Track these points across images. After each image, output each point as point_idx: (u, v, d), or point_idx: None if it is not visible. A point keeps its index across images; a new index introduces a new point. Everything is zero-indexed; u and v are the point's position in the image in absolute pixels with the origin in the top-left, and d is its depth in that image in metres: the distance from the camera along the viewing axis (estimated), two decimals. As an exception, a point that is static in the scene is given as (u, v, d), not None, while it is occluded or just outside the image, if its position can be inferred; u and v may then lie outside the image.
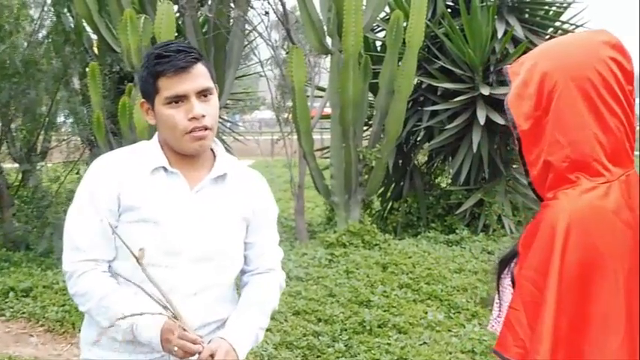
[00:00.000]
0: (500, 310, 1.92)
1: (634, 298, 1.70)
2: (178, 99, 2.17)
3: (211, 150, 2.34)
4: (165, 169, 2.24)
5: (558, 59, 1.79)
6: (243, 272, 2.46)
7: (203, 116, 2.17)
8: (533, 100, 1.79)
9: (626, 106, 1.76)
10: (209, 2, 9.12)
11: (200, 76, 2.20)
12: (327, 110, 9.31)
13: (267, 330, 2.44)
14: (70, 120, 9.88)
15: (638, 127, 1.91)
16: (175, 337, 2.04)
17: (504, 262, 1.93)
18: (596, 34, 1.83)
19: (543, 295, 1.70)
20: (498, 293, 1.96)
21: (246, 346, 2.27)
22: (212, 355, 2.11)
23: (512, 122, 1.82)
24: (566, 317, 1.67)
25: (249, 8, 9.31)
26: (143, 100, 2.28)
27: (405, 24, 8.21)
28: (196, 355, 2.08)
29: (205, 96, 2.21)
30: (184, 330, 2.06)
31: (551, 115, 1.76)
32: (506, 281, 1.90)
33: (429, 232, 8.92)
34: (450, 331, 5.61)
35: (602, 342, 1.68)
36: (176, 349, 2.04)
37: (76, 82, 9.43)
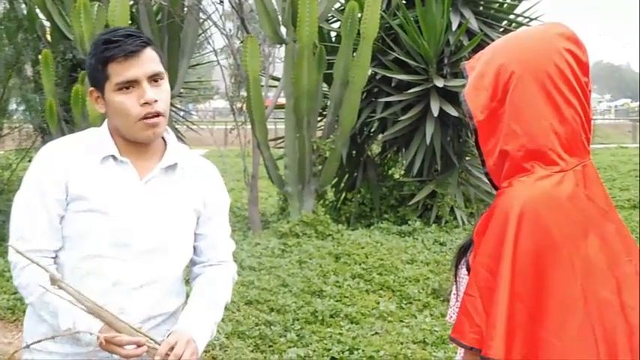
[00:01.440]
0: (457, 301, 1.93)
1: (590, 282, 1.72)
2: (129, 84, 2.12)
3: (162, 139, 2.29)
4: (114, 157, 2.19)
5: (514, 51, 1.82)
6: (193, 263, 2.42)
7: (155, 101, 2.13)
8: (489, 91, 1.81)
9: (582, 97, 1.79)
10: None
11: (150, 60, 2.16)
12: (282, 100, 9.30)
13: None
14: (22, 107, 9.78)
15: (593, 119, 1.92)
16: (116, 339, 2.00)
17: (460, 252, 1.95)
18: (551, 26, 1.86)
19: (496, 281, 1.71)
20: (456, 283, 1.98)
21: (204, 339, 2.22)
22: (171, 348, 2.05)
23: (468, 114, 1.85)
24: (521, 303, 1.70)
25: (203, -4, 9.24)
26: (92, 88, 2.21)
27: (359, 15, 8.16)
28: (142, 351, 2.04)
29: (156, 81, 2.17)
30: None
31: (507, 105, 1.79)
32: (463, 271, 1.92)
33: (382, 223, 8.94)
34: (401, 321, 5.64)
35: (561, 327, 1.70)
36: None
37: (28, 70, 9.34)
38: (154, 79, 2.16)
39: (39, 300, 2.12)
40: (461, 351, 1.90)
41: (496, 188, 1.84)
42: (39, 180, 2.18)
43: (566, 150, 1.76)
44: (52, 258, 2.19)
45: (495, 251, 1.73)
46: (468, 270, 1.87)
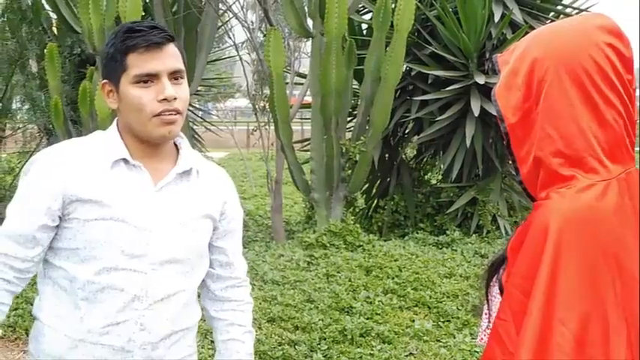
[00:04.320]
0: (489, 321, 1.92)
1: (633, 306, 1.70)
2: (148, 78, 2.14)
3: (174, 145, 2.31)
4: (126, 161, 2.20)
5: (550, 46, 1.79)
6: (211, 279, 2.47)
7: (175, 99, 2.14)
8: (522, 90, 1.78)
9: (624, 96, 1.75)
10: (179, -22, 9.09)
11: (173, 56, 2.17)
12: (308, 99, 9.32)
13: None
14: (26, 106, 9.88)
15: (639, 120, 1.89)
16: None
17: (493, 268, 1.93)
18: (591, 18, 1.83)
19: (529, 306, 1.69)
20: (487, 302, 1.96)
21: None
22: None
23: (499, 115, 1.82)
24: (564, 327, 1.68)
25: (223, -14, 9.29)
26: (105, 80, 2.22)
27: (393, 6, 8.20)
28: None
29: (177, 79, 2.18)
30: None
31: (542, 106, 1.75)
32: (495, 290, 1.90)
33: (417, 232, 8.98)
34: (438, 341, 5.63)
35: (602, 348, 1.68)
36: None
37: (33, 65, 9.42)
38: (174, 76, 2.17)
39: None
40: None
41: (532, 199, 1.82)
42: (28, 187, 2.21)
43: (608, 156, 1.71)
44: (26, 262, 2.19)
45: (531, 271, 1.70)
46: (501, 289, 1.85)
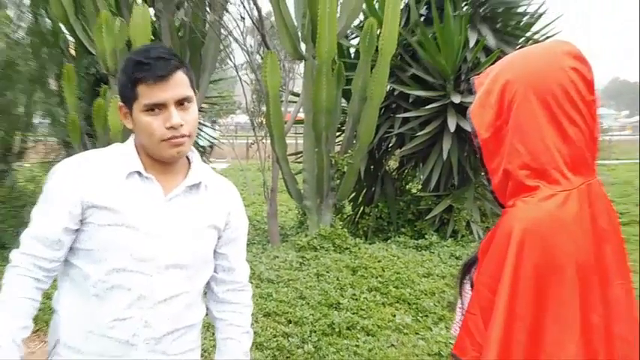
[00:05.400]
0: (462, 315, 1.92)
1: (590, 306, 1.70)
2: (156, 107, 2.12)
3: (187, 157, 2.31)
4: (139, 173, 2.20)
5: (520, 69, 1.79)
6: (215, 283, 2.46)
7: (181, 125, 2.13)
8: (494, 109, 1.79)
9: (586, 115, 1.75)
10: (185, 6, 9.08)
11: (180, 84, 2.15)
12: (301, 115, 9.30)
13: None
14: (47, 121, 9.80)
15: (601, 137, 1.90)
16: None
17: (466, 268, 1.94)
18: (558, 44, 1.83)
19: (494, 301, 1.70)
20: (461, 298, 1.97)
21: None
22: None
23: (473, 131, 1.83)
24: (521, 322, 1.68)
25: (224, 13, 9.30)
26: (121, 104, 2.21)
27: (378, 31, 8.20)
28: None
29: (183, 104, 2.16)
30: None
31: (511, 124, 1.76)
32: (467, 287, 1.91)
33: (399, 236, 8.95)
34: (417, 334, 5.62)
35: (560, 350, 1.68)
36: None
37: (52, 84, 9.36)
38: (181, 102, 2.15)
39: None
40: None
41: (502, 206, 1.83)
42: (52, 192, 2.19)
43: (570, 169, 1.74)
44: (52, 262, 2.18)
45: (496, 271, 1.71)
46: (472, 286, 1.86)
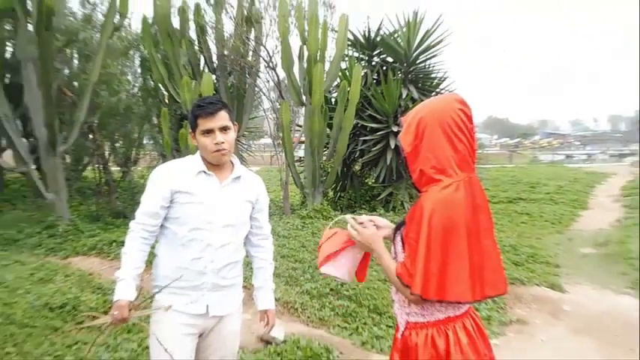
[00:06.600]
0: (395, 256, 1.90)
1: (473, 250, 1.70)
2: (208, 131, 2.11)
3: (231, 162, 2.28)
4: (204, 172, 2.18)
5: (429, 109, 1.79)
6: (252, 234, 2.40)
7: (222, 142, 2.12)
8: (413, 134, 1.78)
9: (468, 136, 1.75)
10: (234, 74, 9.04)
11: (222, 118, 2.12)
12: (303, 138, 9.27)
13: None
14: (151, 142, 9.82)
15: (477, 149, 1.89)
16: (115, 313, 2.01)
17: (397, 227, 1.92)
18: (452, 95, 1.83)
19: (417, 247, 1.69)
20: (394, 246, 1.95)
21: (273, 306, 2.42)
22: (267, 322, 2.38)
23: (401, 148, 1.82)
24: (435, 262, 1.67)
25: (257, 78, 9.24)
26: (190, 131, 2.20)
27: (348, 89, 8.18)
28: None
29: (224, 130, 2.13)
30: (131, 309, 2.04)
31: (424, 142, 1.76)
32: (398, 238, 1.89)
33: (361, 210, 8.85)
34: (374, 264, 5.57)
35: (457, 275, 1.67)
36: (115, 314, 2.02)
37: (154, 120, 9.32)
38: (223, 129, 2.13)
39: (122, 258, 2.12)
40: (394, 289, 1.88)
41: (419, 192, 1.82)
42: (154, 183, 2.18)
43: (459, 168, 1.73)
44: (154, 227, 2.16)
45: (417, 230, 1.71)
46: (401, 237, 1.85)
